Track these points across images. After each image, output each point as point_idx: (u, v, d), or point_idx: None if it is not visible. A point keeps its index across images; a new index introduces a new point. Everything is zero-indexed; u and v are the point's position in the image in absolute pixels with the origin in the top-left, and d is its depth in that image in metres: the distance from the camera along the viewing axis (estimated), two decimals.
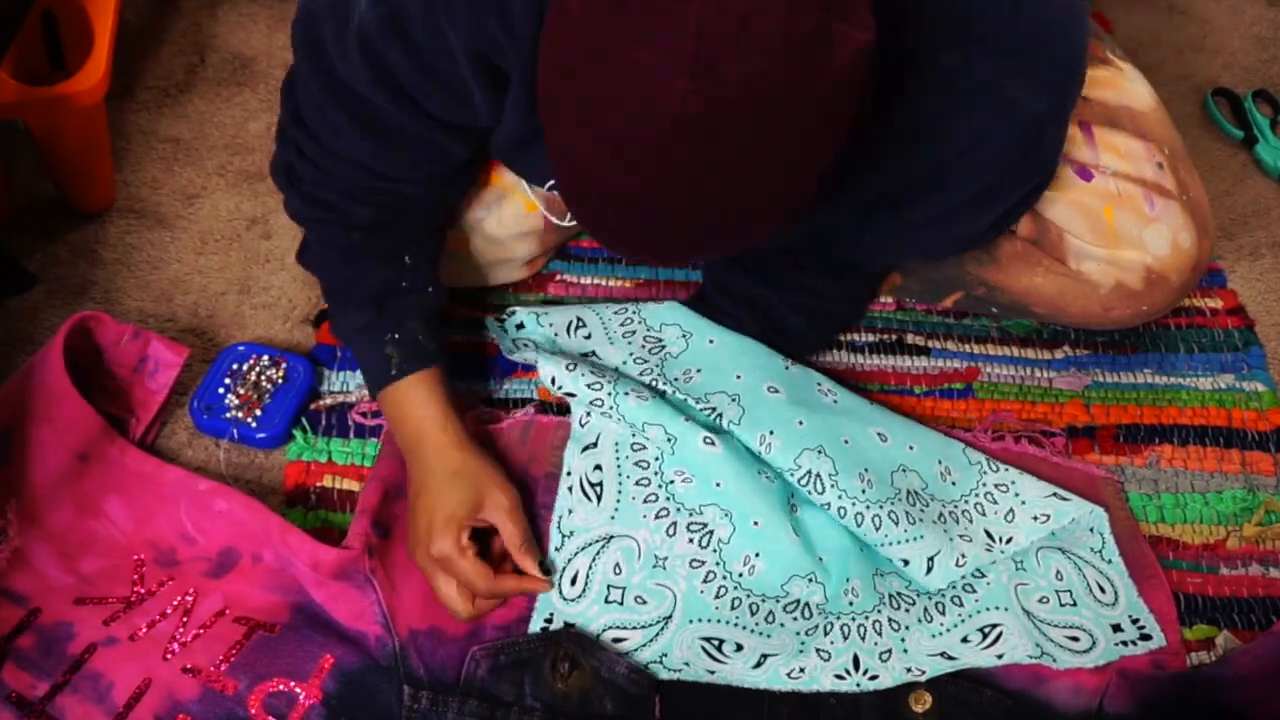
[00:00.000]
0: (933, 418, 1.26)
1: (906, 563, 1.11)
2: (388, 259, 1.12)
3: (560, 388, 1.18)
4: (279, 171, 1.12)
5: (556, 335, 1.25)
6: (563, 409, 1.23)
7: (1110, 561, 1.15)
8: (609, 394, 1.17)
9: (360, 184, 1.08)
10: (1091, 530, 1.17)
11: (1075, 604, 1.12)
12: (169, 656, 1.03)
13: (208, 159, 1.44)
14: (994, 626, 1.10)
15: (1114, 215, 1.13)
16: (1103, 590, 1.13)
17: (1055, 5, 0.97)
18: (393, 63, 0.99)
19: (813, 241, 1.13)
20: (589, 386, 1.17)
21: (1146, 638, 1.10)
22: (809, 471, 1.12)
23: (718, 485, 1.13)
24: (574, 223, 1.23)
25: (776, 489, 1.14)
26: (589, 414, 1.18)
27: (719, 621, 1.09)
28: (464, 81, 0.99)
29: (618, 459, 1.16)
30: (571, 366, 1.18)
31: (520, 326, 1.27)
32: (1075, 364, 1.32)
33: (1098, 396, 1.30)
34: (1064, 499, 1.18)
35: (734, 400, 1.17)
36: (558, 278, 1.35)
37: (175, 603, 1.07)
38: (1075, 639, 1.09)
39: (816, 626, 1.09)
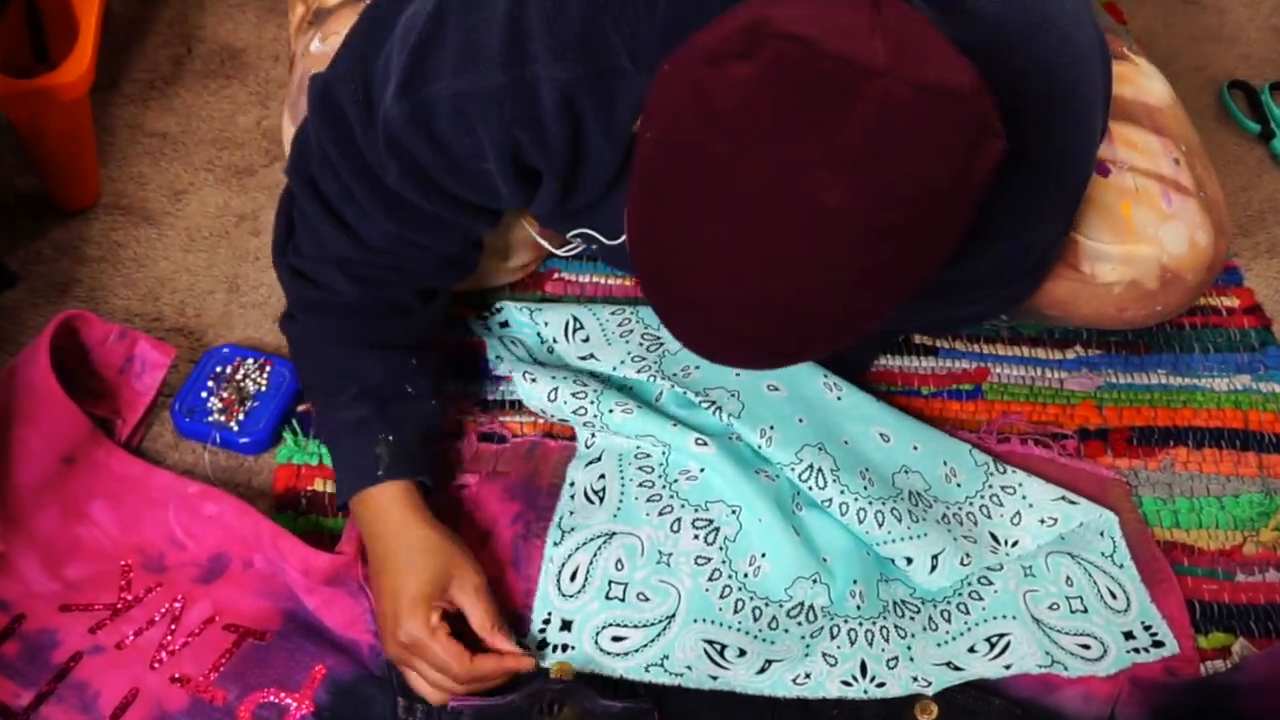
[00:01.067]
0: (941, 419, 1.27)
1: (910, 560, 1.12)
2: (391, 359, 1.10)
3: (551, 416, 1.20)
4: (280, 226, 1.11)
5: (555, 340, 1.25)
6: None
7: (1122, 566, 1.16)
8: (595, 415, 1.18)
9: (360, 259, 1.07)
10: (1102, 534, 1.17)
11: (1086, 610, 1.12)
12: (157, 665, 1.04)
13: (195, 154, 1.45)
14: (1001, 636, 1.10)
15: (1131, 211, 1.14)
16: (1114, 596, 1.13)
17: (1070, 133, 1.00)
18: (421, 157, 0.99)
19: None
20: (575, 413, 1.19)
21: (1159, 644, 1.11)
22: (810, 465, 1.13)
23: (721, 482, 1.15)
24: (572, 249, 1.24)
25: (776, 488, 1.15)
26: (594, 436, 1.20)
27: (722, 625, 1.09)
28: (490, 176, 1.00)
29: (621, 466, 1.18)
30: (554, 396, 1.19)
31: (505, 325, 1.27)
32: (1087, 364, 1.33)
33: (1110, 398, 1.30)
34: (1072, 502, 1.18)
35: (733, 395, 1.18)
36: (556, 275, 1.36)
37: (163, 610, 1.07)
38: (1086, 646, 1.10)
39: (821, 629, 1.10)
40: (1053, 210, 1.04)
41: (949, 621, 1.11)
